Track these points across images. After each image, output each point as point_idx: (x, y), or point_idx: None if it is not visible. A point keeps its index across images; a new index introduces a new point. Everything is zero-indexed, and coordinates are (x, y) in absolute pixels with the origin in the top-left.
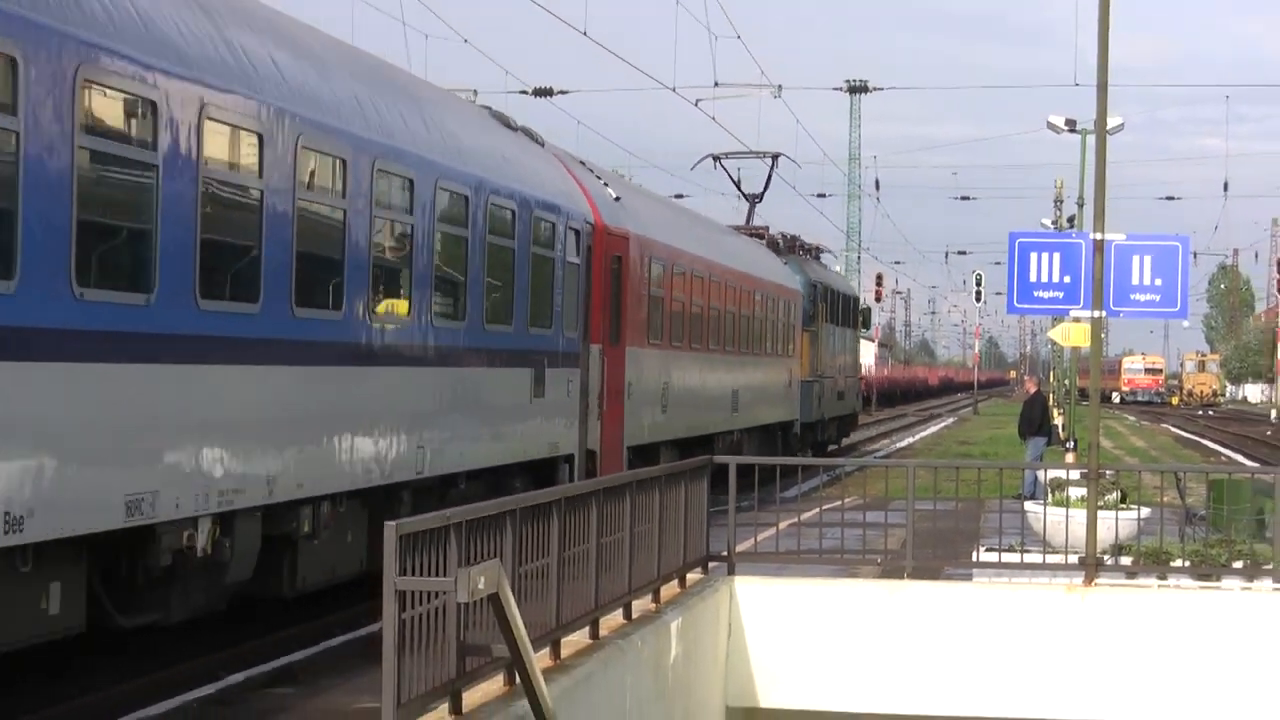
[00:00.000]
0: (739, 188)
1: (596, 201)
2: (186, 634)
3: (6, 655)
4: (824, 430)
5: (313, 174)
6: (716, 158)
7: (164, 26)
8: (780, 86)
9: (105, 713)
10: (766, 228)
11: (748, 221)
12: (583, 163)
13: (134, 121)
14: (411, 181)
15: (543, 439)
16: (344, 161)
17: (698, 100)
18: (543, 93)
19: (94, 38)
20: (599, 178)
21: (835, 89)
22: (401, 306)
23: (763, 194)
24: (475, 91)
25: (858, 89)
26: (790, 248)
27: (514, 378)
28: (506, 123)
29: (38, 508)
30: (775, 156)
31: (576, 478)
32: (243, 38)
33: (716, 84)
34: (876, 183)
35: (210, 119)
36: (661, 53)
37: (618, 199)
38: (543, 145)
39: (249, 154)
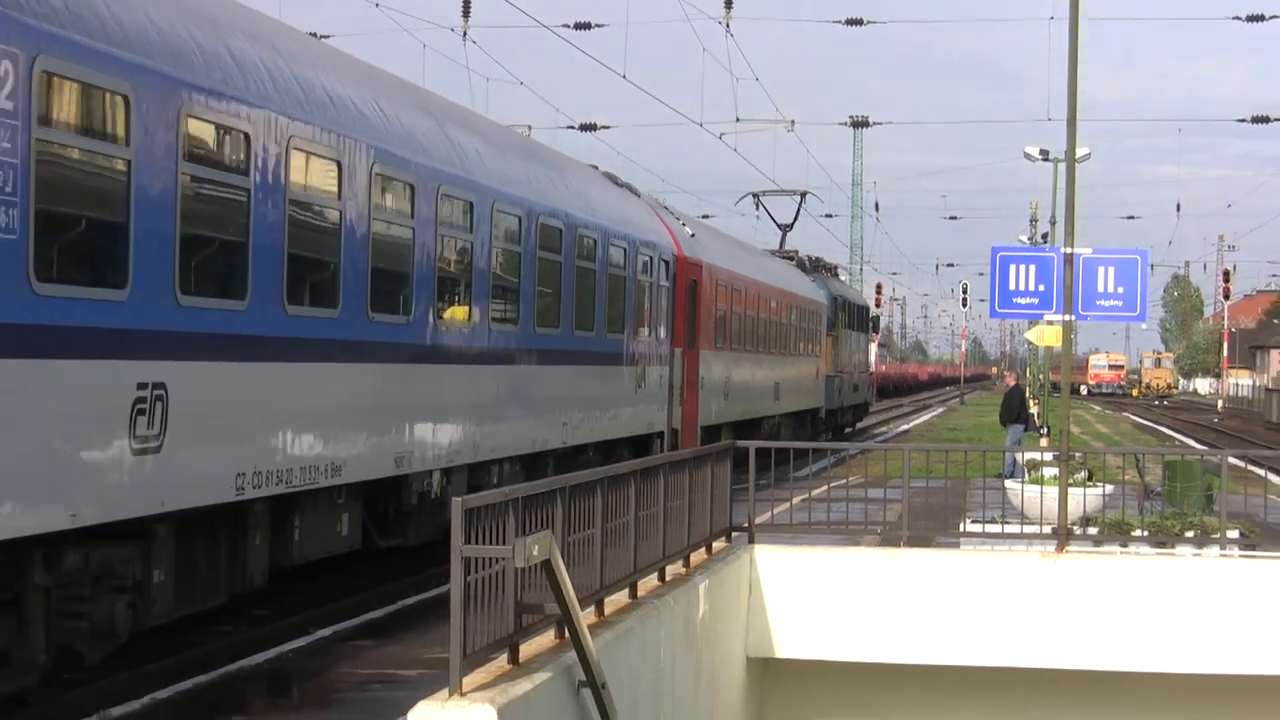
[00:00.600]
0: (774, 219)
1: (678, 237)
2: (279, 597)
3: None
4: (843, 415)
5: (501, 230)
6: (756, 195)
7: (254, 69)
8: (793, 122)
9: (212, 664)
10: (796, 251)
11: (780, 246)
12: (666, 206)
13: (228, 150)
14: (560, 231)
15: (642, 419)
16: (560, 231)
17: (721, 134)
18: (588, 128)
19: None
20: (678, 218)
21: (841, 124)
22: (555, 323)
23: (793, 224)
24: (530, 126)
25: (860, 124)
26: (815, 267)
27: (624, 374)
28: (615, 180)
29: (348, 460)
30: (803, 194)
31: (665, 449)
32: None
33: (738, 120)
34: (876, 205)
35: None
36: (690, 92)
37: (693, 235)
38: (639, 196)
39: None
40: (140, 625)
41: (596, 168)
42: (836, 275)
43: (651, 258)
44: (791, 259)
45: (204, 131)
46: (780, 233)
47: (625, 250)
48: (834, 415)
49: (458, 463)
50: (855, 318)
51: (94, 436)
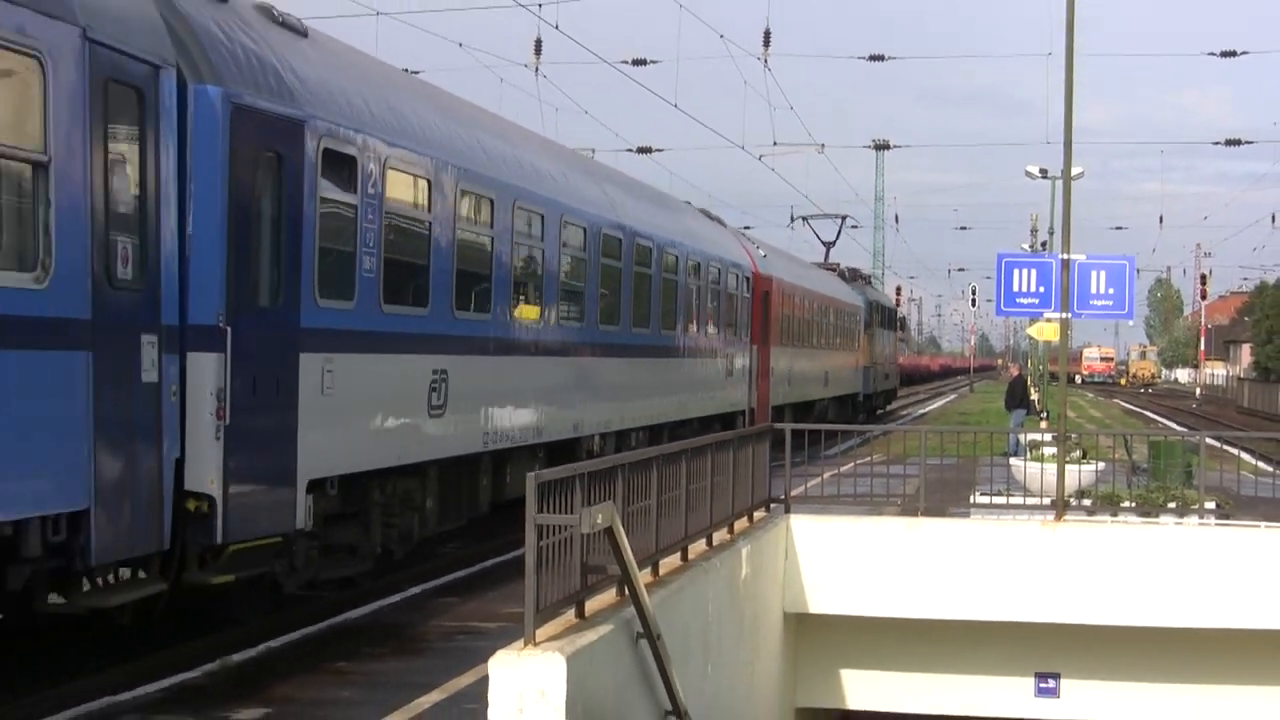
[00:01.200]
0: (818, 237)
1: (754, 258)
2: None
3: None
4: (876, 399)
5: (649, 262)
6: (805, 218)
7: (499, 156)
8: (823, 145)
9: (315, 616)
10: (838, 264)
11: (825, 259)
12: (744, 232)
13: (479, 211)
14: (678, 259)
15: (730, 400)
16: (677, 258)
17: (760, 155)
18: (643, 150)
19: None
20: (752, 242)
21: (865, 146)
22: (672, 325)
23: (835, 241)
24: (594, 150)
25: (882, 146)
26: (853, 277)
27: (718, 364)
28: (708, 214)
29: (545, 426)
30: (844, 217)
31: (747, 423)
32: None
33: (775, 143)
34: (896, 217)
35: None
36: (733, 119)
37: (764, 256)
38: (725, 226)
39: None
40: (421, 535)
41: (692, 205)
42: (870, 283)
43: (737, 275)
44: (834, 270)
45: (466, 200)
46: (824, 248)
47: (719, 270)
48: (869, 399)
49: (609, 430)
50: (885, 318)
51: (411, 405)
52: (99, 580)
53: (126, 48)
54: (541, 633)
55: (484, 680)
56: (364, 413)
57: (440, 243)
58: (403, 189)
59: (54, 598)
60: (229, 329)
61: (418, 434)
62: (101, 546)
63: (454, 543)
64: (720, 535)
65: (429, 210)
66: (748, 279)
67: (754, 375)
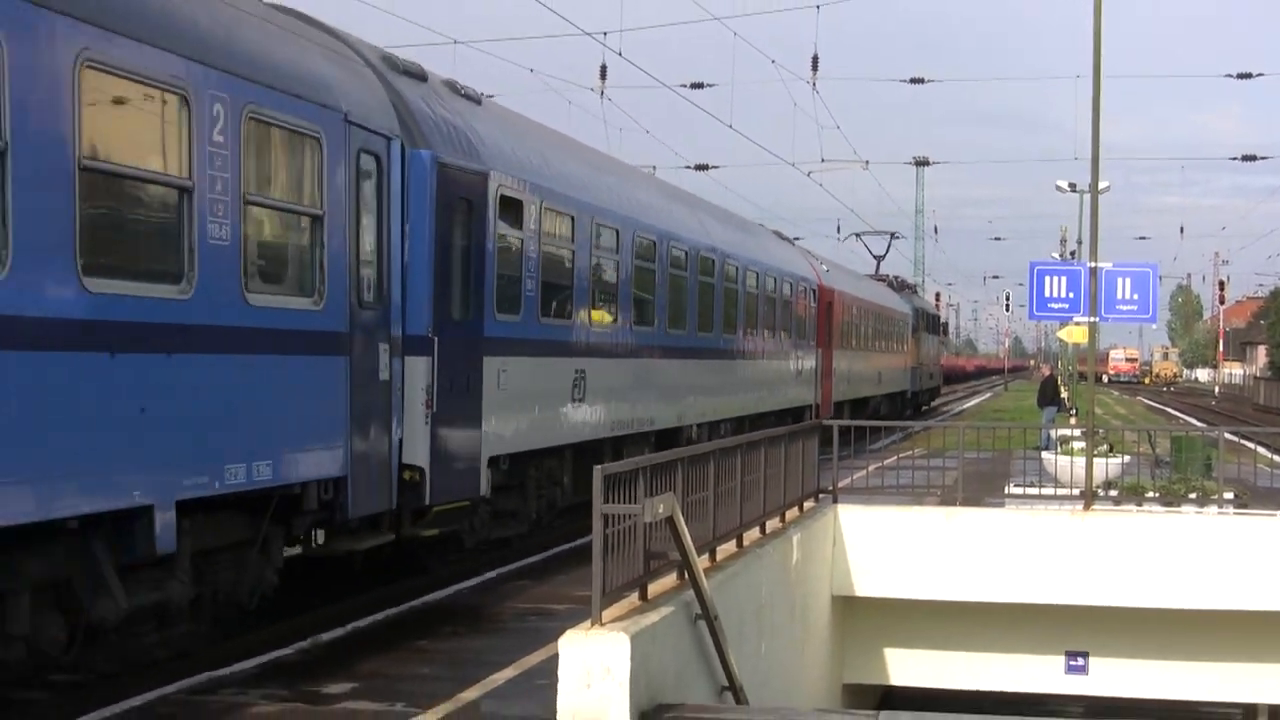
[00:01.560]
0: (870, 251)
1: (819, 273)
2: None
3: None
4: (922, 396)
5: (737, 280)
6: (858, 234)
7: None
8: (868, 162)
9: (398, 599)
10: (889, 275)
11: (876, 271)
12: (808, 251)
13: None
14: (757, 275)
15: (798, 396)
16: (758, 274)
17: (809, 172)
18: (700, 167)
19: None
20: (815, 258)
21: (906, 163)
22: (757, 334)
23: (885, 254)
24: (655, 167)
25: (922, 163)
26: (901, 287)
27: (790, 366)
28: (781, 235)
29: (655, 417)
30: (893, 234)
31: (814, 416)
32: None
33: (823, 160)
34: (935, 228)
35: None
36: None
37: (826, 270)
38: (793, 244)
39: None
40: (560, 504)
41: (765, 226)
42: (915, 292)
43: (805, 288)
44: (885, 280)
45: (598, 232)
46: (875, 261)
47: (791, 284)
48: (916, 396)
49: (705, 420)
50: (929, 324)
51: (560, 399)
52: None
53: (371, 125)
54: (608, 614)
55: (554, 658)
56: (527, 405)
57: (580, 267)
58: (554, 225)
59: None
60: (435, 339)
61: (563, 422)
62: (355, 505)
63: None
64: (773, 524)
65: (572, 241)
66: (814, 291)
67: (819, 375)
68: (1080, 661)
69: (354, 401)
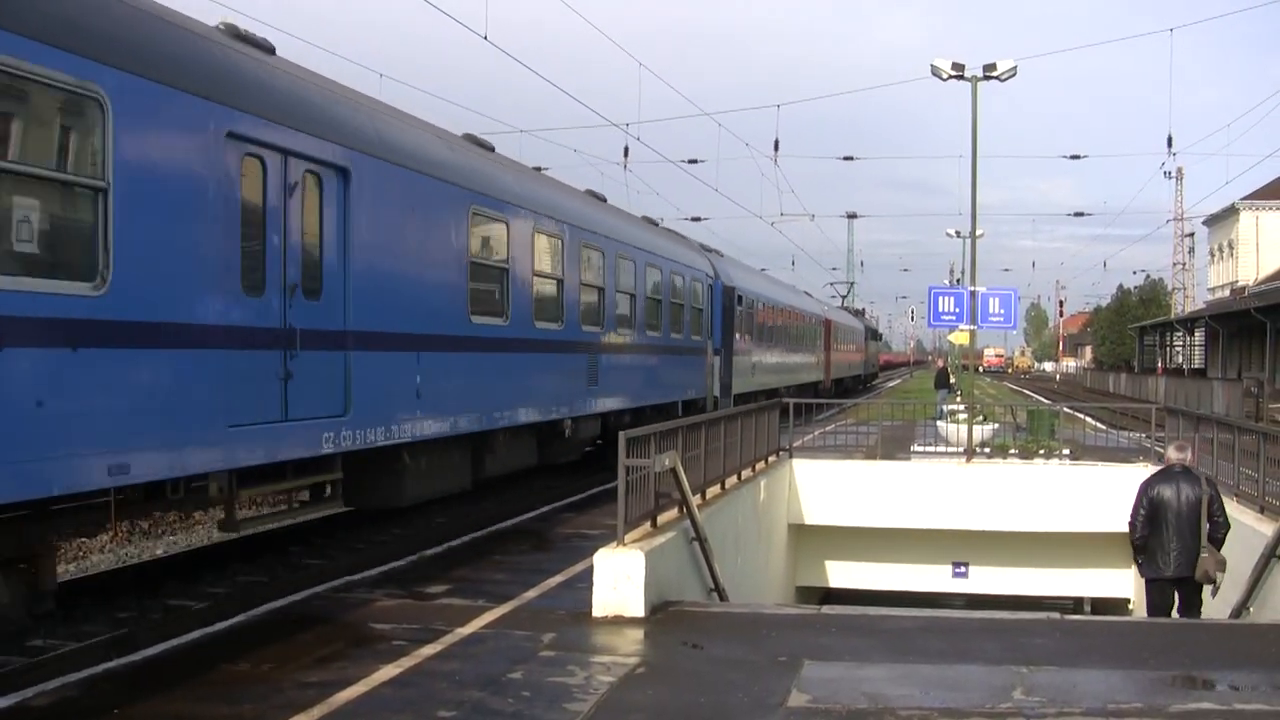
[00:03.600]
0: (839, 294)
1: (826, 312)
2: (521, 489)
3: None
4: (869, 378)
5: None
6: (832, 284)
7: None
8: (814, 215)
9: (481, 524)
10: (854, 306)
11: (843, 303)
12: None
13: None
14: (803, 316)
15: (813, 377)
16: (808, 318)
17: (772, 222)
18: (695, 219)
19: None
20: (818, 301)
21: (841, 216)
22: (811, 345)
23: (848, 294)
24: (662, 219)
25: (852, 216)
26: (858, 313)
27: (812, 360)
28: (809, 294)
29: (673, 390)
30: (852, 283)
31: (826, 387)
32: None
33: (781, 214)
34: (861, 262)
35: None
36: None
37: (827, 309)
38: (812, 296)
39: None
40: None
41: (794, 288)
42: (864, 315)
43: (818, 320)
44: (852, 311)
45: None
46: (840, 299)
47: (816, 320)
48: (869, 376)
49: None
50: (873, 334)
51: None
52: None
53: (721, 280)
54: (629, 537)
55: (590, 568)
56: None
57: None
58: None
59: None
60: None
61: (586, 397)
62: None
63: (569, 476)
64: (746, 473)
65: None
66: (826, 322)
67: (827, 365)
68: (963, 569)
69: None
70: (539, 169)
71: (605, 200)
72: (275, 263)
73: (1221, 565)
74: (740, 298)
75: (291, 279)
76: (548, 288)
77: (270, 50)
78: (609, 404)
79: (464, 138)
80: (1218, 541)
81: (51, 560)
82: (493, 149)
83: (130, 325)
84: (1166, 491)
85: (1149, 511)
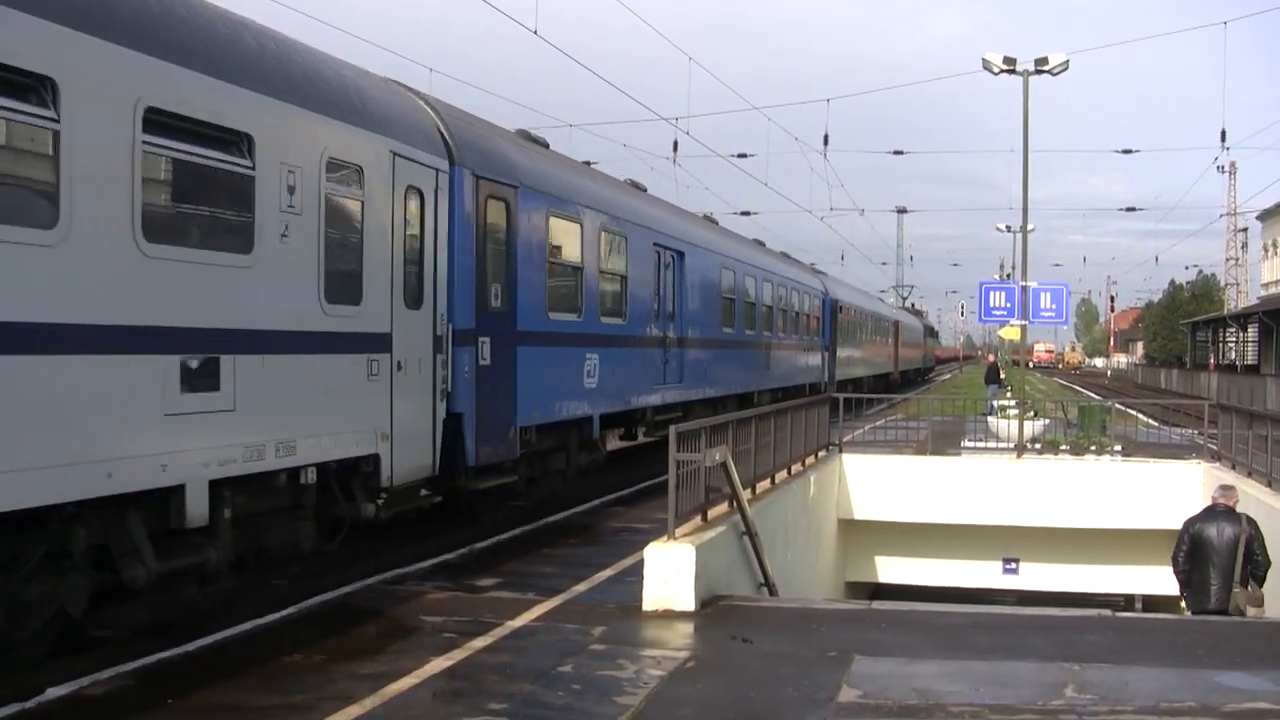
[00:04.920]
0: (900, 296)
1: (895, 315)
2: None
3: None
4: (928, 371)
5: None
6: (896, 286)
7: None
8: (863, 210)
9: (530, 518)
10: (915, 306)
11: (903, 304)
12: (923, 314)
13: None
14: (879, 318)
15: (885, 367)
16: (882, 320)
17: (821, 217)
18: (744, 213)
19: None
20: (888, 304)
21: (890, 211)
22: (890, 345)
23: (906, 299)
24: (711, 213)
25: (902, 210)
26: (918, 312)
27: (884, 355)
28: (880, 299)
29: (806, 375)
30: (911, 287)
31: (895, 378)
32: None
33: (831, 208)
34: (911, 257)
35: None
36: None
37: (895, 312)
38: (883, 300)
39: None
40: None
41: (871, 293)
42: (924, 315)
43: (887, 322)
44: (913, 311)
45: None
46: (902, 301)
47: (886, 320)
48: (928, 369)
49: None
50: (930, 332)
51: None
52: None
53: (829, 295)
54: (679, 531)
55: (640, 562)
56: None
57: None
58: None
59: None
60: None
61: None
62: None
63: (616, 472)
64: (796, 467)
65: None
66: (895, 323)
67: (895, 358)
68: (1013, 565)
69: None
70: (588, 163)
71: (764, 244)
72: (661, 301)
73: (1256, 601)
74: (840, 308)
75: (665, 311)
76: (748, 309)
77: (546, 145)
78: (775, 384)
79: (704, 217)
80: (1259, 579)
81: None
82: (645, 187)
83: (614, 337)
84: (1209, 530)
85: (1190, 548)
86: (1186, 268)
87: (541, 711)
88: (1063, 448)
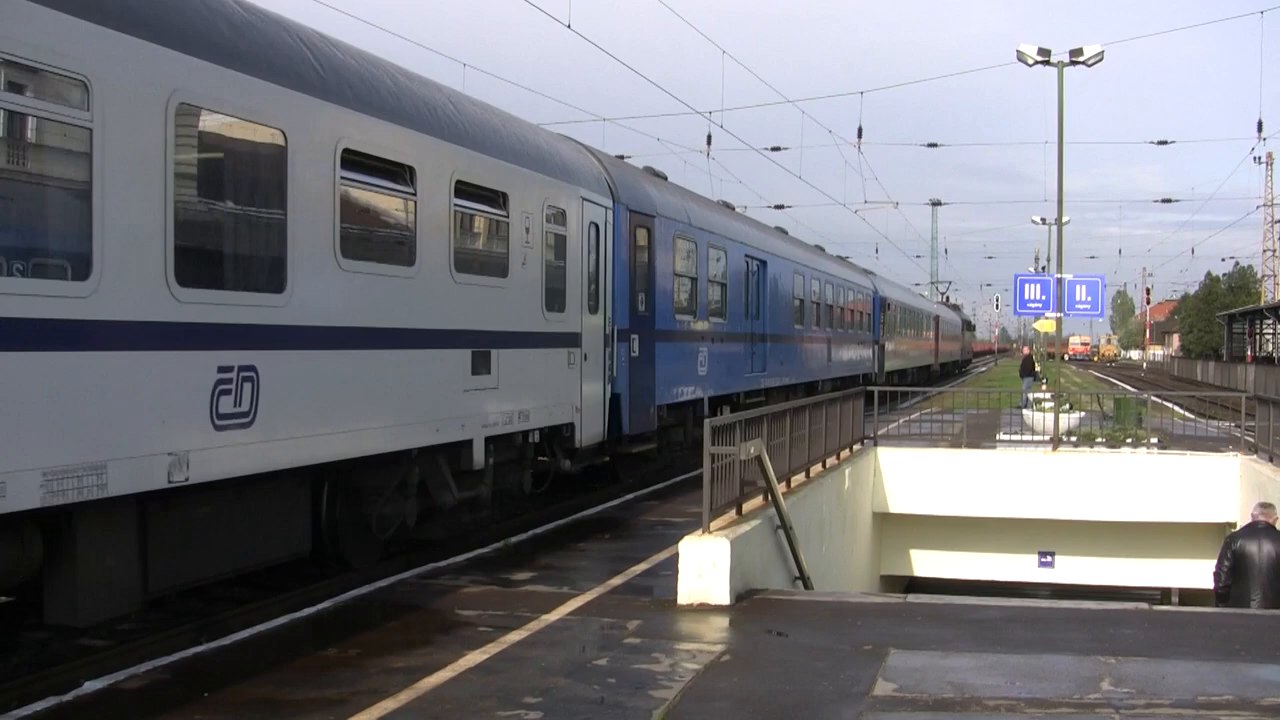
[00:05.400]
0: (940, 293)
1: (937, 311)
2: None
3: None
4: (965, 364)
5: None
6: (934, 283)
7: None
8: (897, 203)
9: (564, 513)
10: (954, 303)
11: (943, 301)
12: (960, 308)
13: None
14: (925, 313)
15: (927, 360)
16: (939, 319)
17: (855, 210)
18: (778, 207)
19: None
20: (929, 300)
21: (925, 204)
22: (930, 336)
23: (946, 295)
24: (745, 206)
25: (936, 203)
26: (955, 308)
27: (932, 349)
28: (924, 296)
29: (861, 365)
30: (949, 282)
31: (935, 370)
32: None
33: (865, 201)
34: (945, 250)
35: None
36: (836, 185)
37: (938, 309)
38: (926, 298)
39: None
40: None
41: (912, 291)
42: (961, 309)
43: (929, 316)
44: (952, 306)
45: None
46: (943, 298)
47: (934, 315)
48: (965, 362)
49: (808, 379)
50: (967, 325)
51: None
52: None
53: (878, 292)
54: (714, 524)
55: (675, 556)
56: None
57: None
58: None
59: None
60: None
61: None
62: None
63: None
64: (831, 461)
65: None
66: (935, 318)
67: (936, 351)
68: (1049, 559)
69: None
70: (622, 157)
71: (824, 249)
72: (749, 303)
73: None
74: (888, 304)
75: (752, 311)
76: (814, 308)
77: (665, 178)
78: (835, 373)
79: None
80: None
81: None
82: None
83: (718, 334)
84: (1250, 546)
85: (1232, 564)
86: (1223, 259)
87: (576, 705)
88: (1098, 441)
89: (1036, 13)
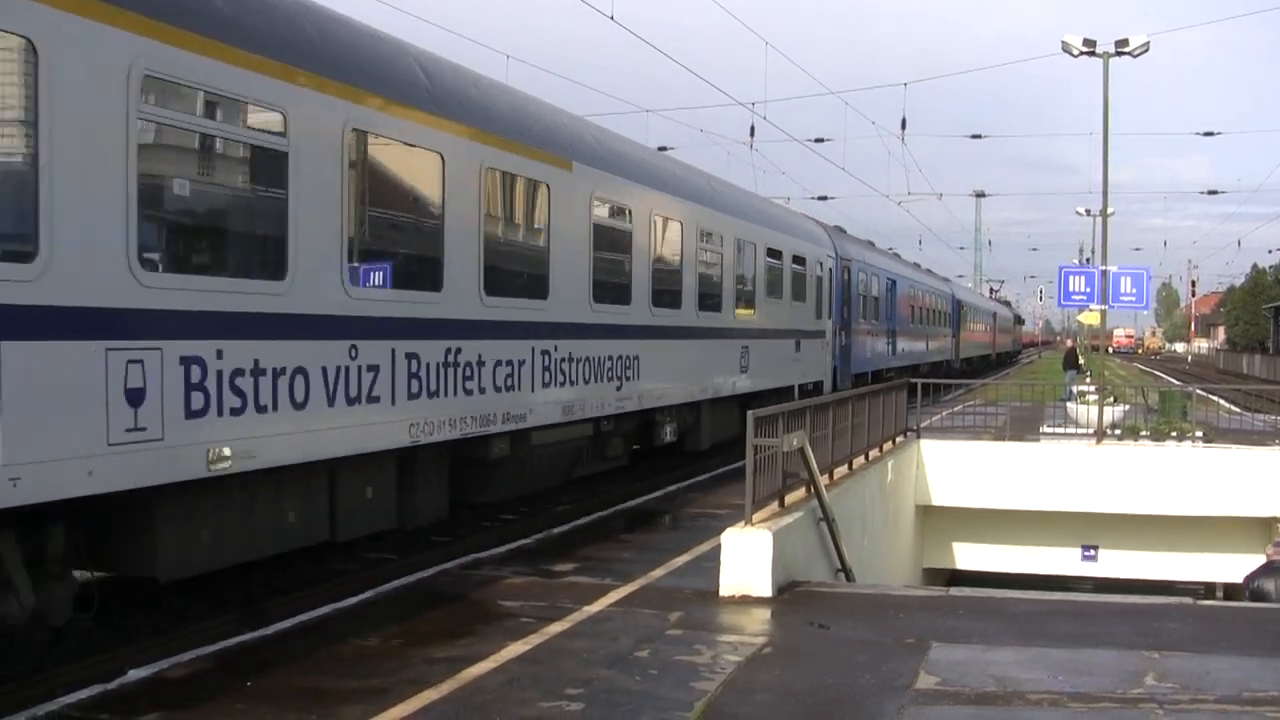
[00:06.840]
0: (991, 289)
1: (1000, 310)
2: (643, 474)
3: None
4: (1016, 355)
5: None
6: (988, 280)
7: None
8: (941, 194)
9: (606, 504)
10: (1004, 298)
11: (990, 295)
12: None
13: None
14: (965, 305)
15: (984, 350)
16: (979, 309)
17: (899, 201)
18: (821, 198)
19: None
20: (982, 296)
21: (968, 195)
22: (985, 331)
23: (996, 291)
24: (789, 198)
25: (980, 195)
26: (1007, 304)
27: (986, 340)
28: (971, 289)
29: (941, 353)
30: (1002, 283)
31: (993, 360)
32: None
33: (909, 193)
34: (989, 242)
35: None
36: (879, 177)
37: (989, 301)
38: (975, 291)
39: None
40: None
41: (947, 280)
42: (1011, 305)
43: (965, 307)
44: (1002, 301)
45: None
46: (990, 292)
47: (985, 309)
48: (1016, 353)
49: (903, 364)
50: (1018, 319)
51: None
52: None
53: (955, 296)
54: (756, 516)
55: (717, 547)
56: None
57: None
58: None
59: None
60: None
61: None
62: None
63: (691, 464)
64: (874, 453)
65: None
66: (993, 314)
67: (993, 343)
68: (1092, 552)
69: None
70: (663, 148)
71: (920, 266)
72: (887, 310)
73: None
74: (961, 305)
75: (887, 314)
76: (918, 310)
77: (844, 230)
78: (932, 358)
79: (835, 227)
80: None
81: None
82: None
83: (875, 330)
84: (1268, 584)
85: (1251, 601)
86: (1270, 251)
87: (618, 697)
88: (1143, 434)
89: (1083, 2)
